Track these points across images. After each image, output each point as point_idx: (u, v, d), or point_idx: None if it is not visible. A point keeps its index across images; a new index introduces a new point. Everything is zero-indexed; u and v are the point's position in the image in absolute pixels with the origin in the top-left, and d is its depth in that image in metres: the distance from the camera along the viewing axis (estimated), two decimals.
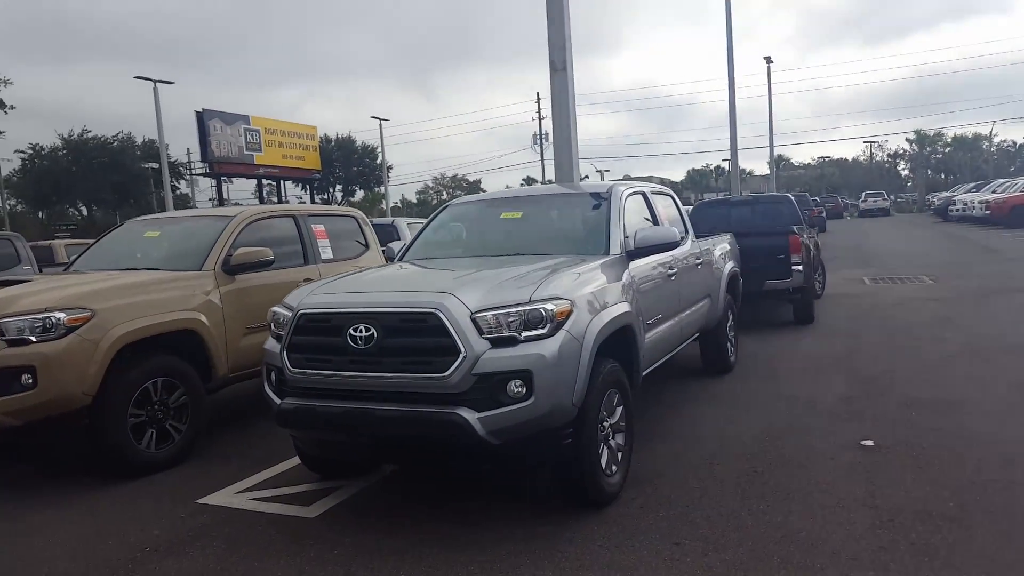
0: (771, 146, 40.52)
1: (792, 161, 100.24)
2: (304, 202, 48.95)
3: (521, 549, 3.74)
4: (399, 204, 77.60)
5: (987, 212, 28.44)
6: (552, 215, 5.65)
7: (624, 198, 5.37)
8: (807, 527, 3.84)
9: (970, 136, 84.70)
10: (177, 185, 52.86)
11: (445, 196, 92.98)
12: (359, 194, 64.87)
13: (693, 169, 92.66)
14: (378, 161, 55.00)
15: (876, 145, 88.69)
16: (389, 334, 3.81)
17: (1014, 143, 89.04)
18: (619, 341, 4.48)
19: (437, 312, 3.72)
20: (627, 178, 73.06)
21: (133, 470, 5.09)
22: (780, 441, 5.24)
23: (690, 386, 7.02)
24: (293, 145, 41.54)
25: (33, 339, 4.70)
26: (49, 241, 17.58)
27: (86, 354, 4.78)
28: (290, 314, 4.14)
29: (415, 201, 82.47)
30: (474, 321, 3.71)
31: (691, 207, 12.74)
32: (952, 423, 5.42)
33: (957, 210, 32.95)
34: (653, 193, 6.17)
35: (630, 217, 5.32)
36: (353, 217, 7.54)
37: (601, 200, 5.27)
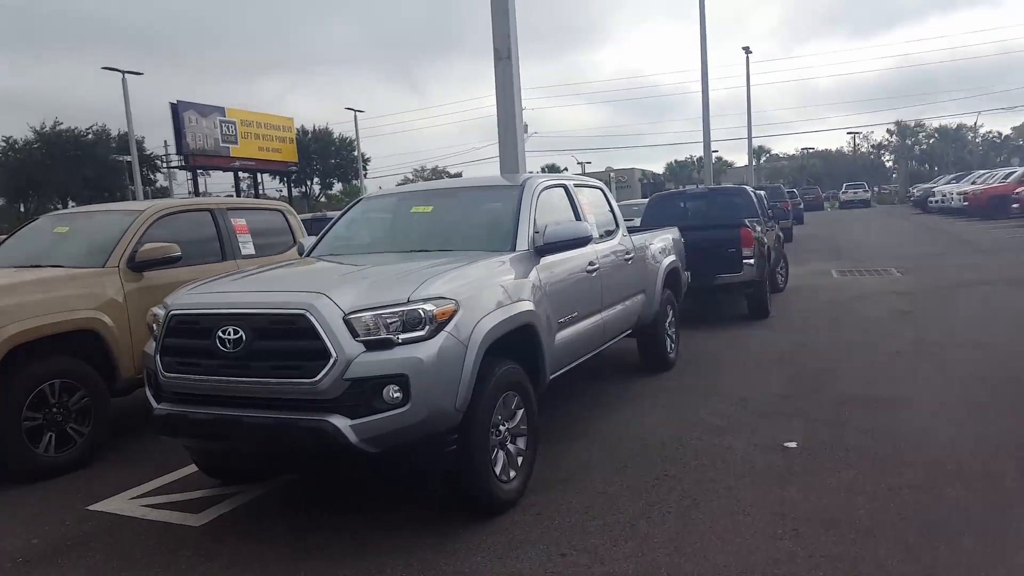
0: (749, 137, 40.35)
1: (776, 152, 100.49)
2: (283, 194, 48.56)
3: (400, 562, 3.57)
4: None
5: (965, 203, 28.47)
6: (462, 210, 5.45)
7: (537, 192, 5.17)
8: (704, 536, 3.69)
9: (954, 127, 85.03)
10: (154, 178, 52.41)
11: None
12: (337, 186, 64.55)
13: (676, 161, 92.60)
14: (355, 153, 54.58)
15: (860, 136, 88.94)
16: (258, 337, 3.61)
17: (999, 134, 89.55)
18: (520, 341, 4.30)
19: (306, 313, 3.52)
20: (608, 170, 73.07)
21: (30, 474, 4.89)
22: (701, 442, 5.09)
23: (624, 384, 6.86)
24: (269, 137, 41.11)
25: None
26: None
27: None
28: (163, 314, 3.94)
29: None
30: (348, 323, 3.52)
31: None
32: (884, 423, 5.28)
33: (936, 201, 32.98)
34: (577, 186, 5.98)
35: (545, 212, 5.13)
36: (279, 211, 7.31)
37: (511, 194, 5.07)
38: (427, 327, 3.57)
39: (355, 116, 47.36)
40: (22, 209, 49.02)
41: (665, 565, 3.43)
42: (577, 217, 5.65)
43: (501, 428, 4.07)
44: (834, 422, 5.39)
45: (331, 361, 3.45)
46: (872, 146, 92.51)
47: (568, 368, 5.22)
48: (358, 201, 5.94)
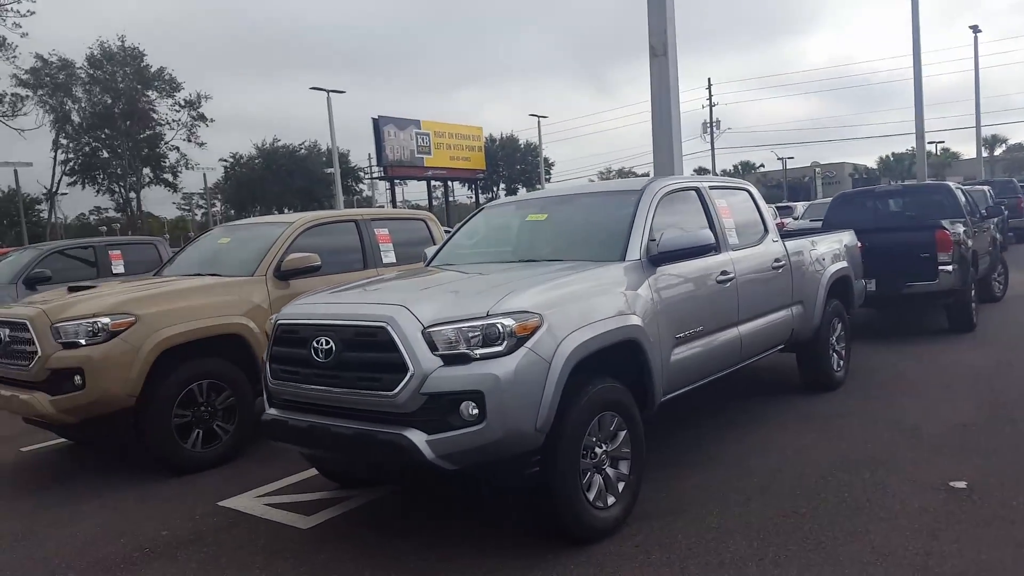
0: (978, 126, 35.87)
1: (1020, 142, 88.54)
2: (472, 200, 50.38)
3: None
4: None
5: None
6: (577, 217, 5.17)
7: (657, 198, 4.79)
8: None
9: None
10: (357, 188, 56.62)
11: None
12: (521, 191, 66.06)
13: (892, 154, 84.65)
14: (539, 158, 55.39)
15: None
16: (346, 348, 3.63)
17: None
18: (623, 358, 4.00)
19: (386, 326, 3.48)
20: (814, 165, 68.34)
21: (178, 468, 5.31)
22: (849, 476, 4.46)
23: (776, 403, 6.24)
24: (460, 147, 42.95)
25: (83, 342, 5.01)
26: None
27: (128, 357, 5.03)
28: (272, 324, 4.08)
29: None
30: (427, 336, 3.42)
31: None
32: None
33: None
34: (715, 189, 5.48)
35: (669, 218, 4.75)
36: (422, 220, 7.46)
37: (627, 200, 4.74)
38: (505, 342, 3.39)
39: (538, 122, 48.06)
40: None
41: None
42: (711, 223, 5.19)
43: (597, 451, 3.79)
44: (1021, 461, 4.52)
45: (408, 375, 3.38)
46: None
47: (692, 387, 4.80)
48: (480, 209, 5.89)
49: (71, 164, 46.53)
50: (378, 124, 37.88)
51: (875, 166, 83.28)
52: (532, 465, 3.51)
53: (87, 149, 46.80)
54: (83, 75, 44.66)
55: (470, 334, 3.41)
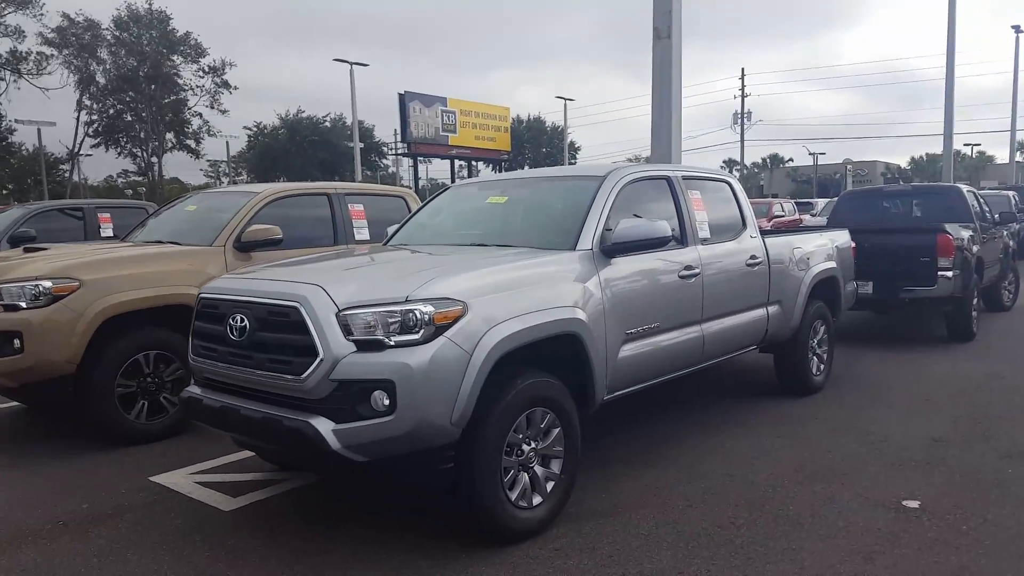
0: (1013, 129, 34.89)
1: None
2: None
3: None
4: None
5: None
6: (535, 202, 4.94)
7: (619, 186, 4.55)
8: None
9: None
10: (381, 163, 56.54)
11: None
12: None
13: (927, 154, 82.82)
14: (566, 142, 54.90)
15: None
16: (260, 327, 3.46)
17: None
18: (562, 352, 3.80)
19: (298, 306, 3.30)
20: (846, 162, 67.11)
21: (120, 438, 5.19)
22: (801, 487, 4.24)
23: (748, 406, 6.00)
24: (485, 127, 42.63)
25: (23, 305, 4.90)
26: None
27: (69, 323, 4.91)
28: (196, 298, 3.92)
29: None
30: (341, 319, 3.24)
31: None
32: None
33: None
34: (689, 179, 5.22)
35: (630, 208, 4.51)
36: (401, 197, 7.26)
37: (587, 186, 4.50)
38: (423, 330, 3.20)
39: (564, 104, 47.60)
40: None
41: None
42: (679, 215, 4.95)
43: (524, 447, 3.60)
44: (985, 481, 4.28)
45: (318, 359, 3.20)
46: None
47: (645, 386, 4.59)
48: (446, 188, 5.67)
49: (94, 126, 46.86)
50: (404, 100, 37.68)
51: (908, 166, 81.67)
52: (447, 460, 3.33)
53: (111, 112, 47.08)
54: (109, 36, 44.83)
55: (387, 319, 3.22)
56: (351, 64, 32.95)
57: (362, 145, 45.27)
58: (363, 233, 6.63)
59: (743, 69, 57.13)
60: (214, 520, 3.98)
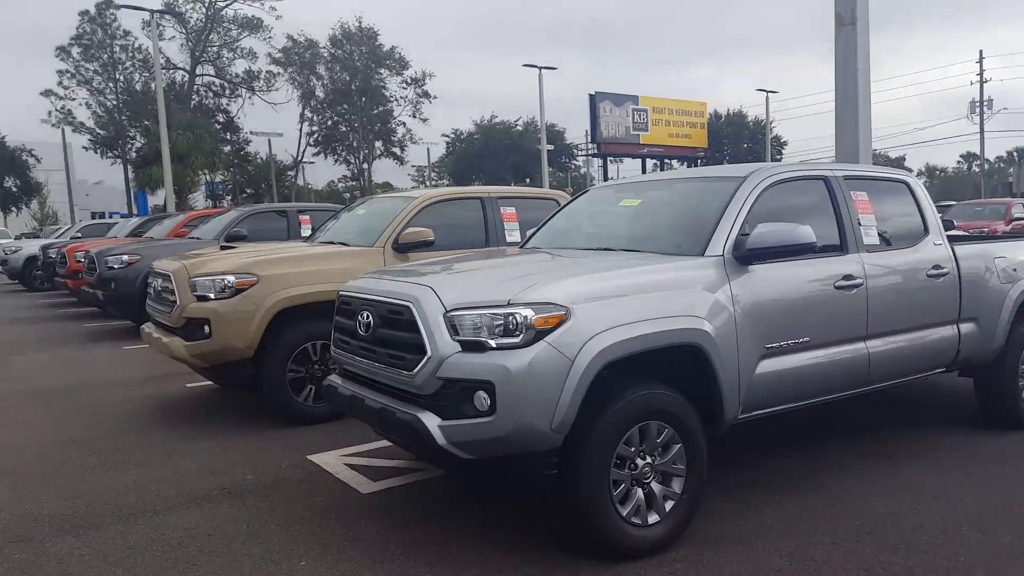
0: None
1: None
2: None
3: None
4: None
5: None
6: (669, 204, 4.78)
7: (760, 187, 4.28)
8: None
9: None
10: (572, 165, 57.26)
11: None
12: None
13: None
14: (768, 137, 52.33)
15: None
16: (382, 324, 3.72)
17: None
18: (685, 365, 3.68)
19: (410, 306, 3.50)
20: None
21: (290, 419, 5.78)
22: (980, 536, 3.72)
23: (937, 439, 5.26)
24: (680, 123, 41.94)
25: (212, 296, 5.61)
26: None
27: (248, 313, 5.55)
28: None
29: None
30: (448, 320, 3.40)
31: None
32: None
33: None
34: (853, 179, 4.79)
35: (777, 211, 4.23)
36: (554, 199, 7.36)
37: (724, 188, 4.33)
38: (523, 334, 3.27)
39: (766, 97, 45.44)
40: None
41: None
42: (839, 219, 4.57)
43: (638, 462, 3.52)
44: None
45: (426, 356, 3.38)
46: None
47: (792, 407, 4.27)
48: (586, 190, 5.69)
49: (315, 136, 51.72)
50: (594, 100, 38.10)
51: None
52: (550, 466, 3.37)
53: (328, 123, 51.73)
54: (325, 54, 49.31)
55: (491, 322, 3.32)
56: (540, 68, 33.69)
57: (552, 147, 46.17)
58: (514, 235, 6.83)
59: (981, 52, 50.78)
60: (351, 501, 4.32)
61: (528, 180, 52.31)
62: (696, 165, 45.15)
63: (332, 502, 4.31)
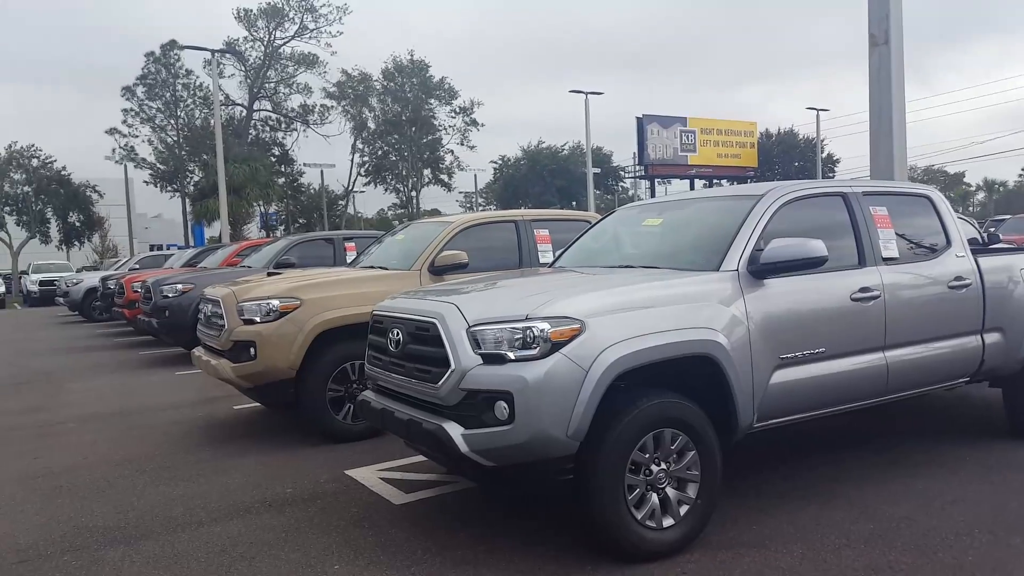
0: None
1: None
2: None
3: None
4: None
5: None
6: (687, 223, 4.93)
7: (776, 204, 4.42)
8: None
9: None
10: (618, 187, 57.32)
11: None
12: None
13: None
14: (823, 155, 51.63)
15: None
16: (411, 340, 3.93)
17: None
18: (700, 375, 3.82)
19: (435, 322, 3.71)
20: None
21: (329, 436, 6.02)
22: (992, 539, 3.78)
23: (961, 449, 5.30)
24: (729, 143, 41.82)
25: (258, 320, 5.90)
26: None
27: (291, 335, 5.82)
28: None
29: None
30: (471, 335, 3.59)
31: None
32: None
33: None
34: (872, 195, 4.88)
35: (794, 228, 4.35)
36: (587, 221, 7.49)
37: (740, 207, 4.45)
38: (539, 347, 3.44)
39: (816, 115, 44.87)
40: None
41: None
42: (857, 234, 4.68)
43: (653, 468, 3.65)
44: None
45: (450, 369, 3.57)
46: None
47: (809, 416, 4.37)
48: (613, 211, 5.85)
49: (366, 166, 52.96)
50: (642, 123, 38.41)
51: None
52: (567, 472, 3.52)
53: (379, 153, 52.95)
54: (378, 86, 50.63)
55: (511, 336, 3.50)
56: (586, 94, 34.09)
57: (598, 170, 46.32)
58: (547, 256, 7.00)
59: None
60: (384, 512, 4.51)
61: (574, 203, 52.55)
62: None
63: (366, 512, 4.50)
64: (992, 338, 5.13)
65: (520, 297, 3.88)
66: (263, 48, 48.20)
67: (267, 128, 50.94)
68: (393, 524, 4.30)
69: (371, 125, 52.27)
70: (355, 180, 53.91)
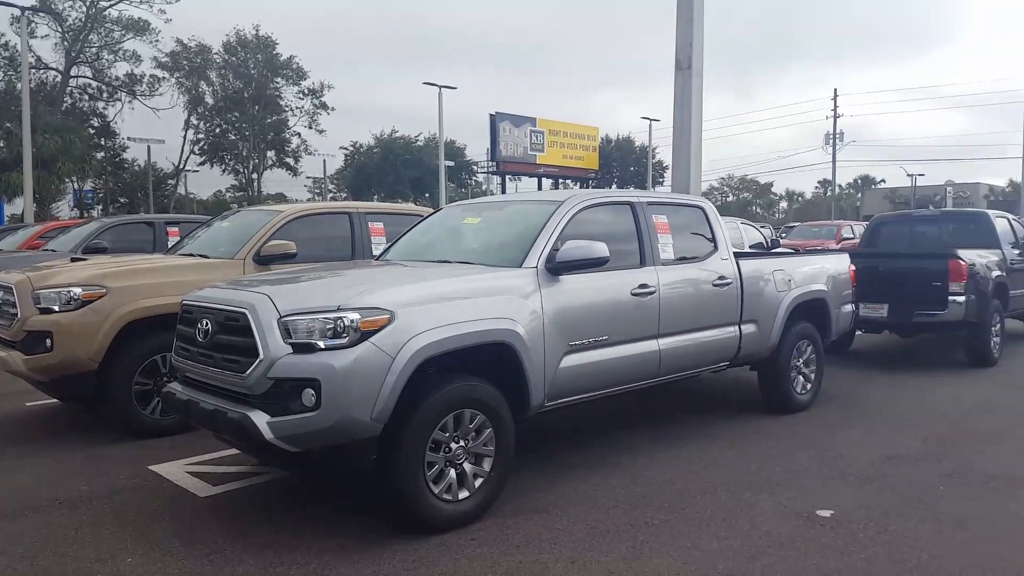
0: None
1: None
2: None
3: (301, 561, 3.70)
4: None
5: None
6: (502, 223, 5.42)
7: (574, 210, 4.97)
8: None
9: None
10: (471, 181, 57.98)
11: (731, 199, 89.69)
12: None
13: None
14: (654, 161, 54.88)
15: None
16: (219, 330, 4.00)
17: None
18: (499, 360, 4.20)
19: (245, 312, 3.82)
20: (947, 184, 63.87)
21: (136, 431, 5.81)
22: (729, 495, 4.51)
23: (725, 422, 6.20)
24: (574, 146, 43.30)
25: (56, 309, 5.63)
26: None
27: (93, 325, 5.59)
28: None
29: None
30: (282, 325, 3.73)
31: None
32: (983, 509, 4.27)
33: None
34: (655, 205, 5.58)
35: (587, 230, 4.87)
36: (418, 215, 7.65)
37: (544, 210, 4.95)
38: (349, 336, 3.65)
39: (650, 125, 47.74)
40: None
41: None
42: (640, 238, 5.28)
43: (452, 445, 3.99)
44: (911, 496, 4.46)
45: (258, 359, 3.70)
46: None
47: (592, 396, 4.92)
48: (440, 208, 6.21)
49: (201, 144, 50.00)
50: (495, 120, 39.03)
51: (1007, 187, 77.09)
52: (371, 452, 3.76)
53: (217, 131, 50.16)
54: (218, 59, 47.90)
55: (322, 325, 3.68)
56: (440, 87, 34.39)
57: (452, 164, 46.56)
58: (380, 248, 7.13)
59: (835, 90, 55.68)
60: (188, 505, 4.48)
61: (427, 195, 52.51)
62: (587, 186, 46.85)
63: (168, 506, 4.45)
64: (748, 328, 5.99)
65: (336, 289, 4.07)
66: (85, 8, 44.07)
67: (86, 97, 46.52)
68: (196, 516, 4.30)
69: (209, 100, 49.39)
70: (187, 158, 50.76)
